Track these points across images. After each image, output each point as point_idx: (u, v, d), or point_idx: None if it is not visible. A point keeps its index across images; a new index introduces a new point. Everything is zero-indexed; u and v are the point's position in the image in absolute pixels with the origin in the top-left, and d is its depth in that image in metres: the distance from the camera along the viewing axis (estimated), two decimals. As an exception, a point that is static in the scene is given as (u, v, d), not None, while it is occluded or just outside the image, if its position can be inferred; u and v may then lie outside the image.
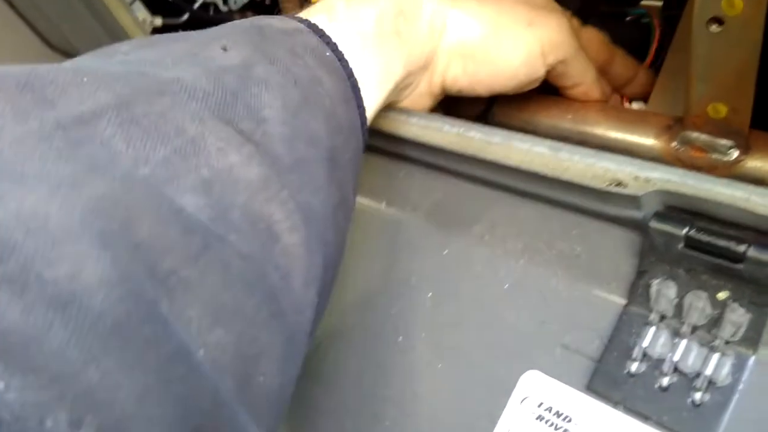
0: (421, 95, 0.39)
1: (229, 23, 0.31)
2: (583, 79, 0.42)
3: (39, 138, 0.19)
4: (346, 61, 0.31)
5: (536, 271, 0.32)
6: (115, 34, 0.54)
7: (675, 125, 0.40)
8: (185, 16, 0.59)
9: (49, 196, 0.18)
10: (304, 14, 0.33)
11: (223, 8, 0.62)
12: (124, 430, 0.17)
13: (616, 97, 0.47)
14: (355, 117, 0.31)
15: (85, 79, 0.22)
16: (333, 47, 0.31)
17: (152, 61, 0.25)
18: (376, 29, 0.33)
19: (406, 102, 0.39)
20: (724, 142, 0.38)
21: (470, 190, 0.36)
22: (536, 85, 0.41)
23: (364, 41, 0.33)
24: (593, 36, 0.44)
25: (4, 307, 0.16)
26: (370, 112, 0.33)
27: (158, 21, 0.57)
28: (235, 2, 0.62)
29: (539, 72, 0.39)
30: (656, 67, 0.48)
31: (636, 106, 0.47)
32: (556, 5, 0.41)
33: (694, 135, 0.38)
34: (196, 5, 0.59)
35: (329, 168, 0.27)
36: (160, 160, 0.21)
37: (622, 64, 0.46)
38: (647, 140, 0.41)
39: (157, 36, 0.28)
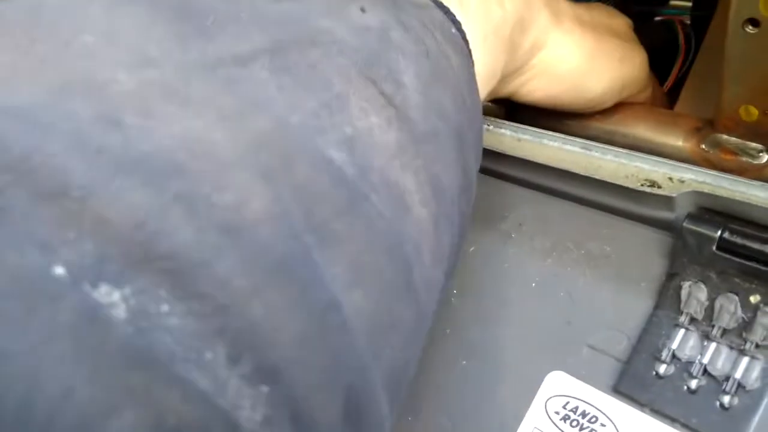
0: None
1: None
2: (642, 99, 0.43)
3: (202, 68, 0.19)
4: (469, 42, 0.30)
5: (564, 271, 0.32)
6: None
7: (704, 127, 0.40)
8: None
9: (215, 124, 0.17)
10: None
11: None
12: (280, 371, 0.16)
13: None
14: (476, 102, 0.30)
15: (242, 16, 0.21)
16: (458, 27, 0.30)
17: (300, 9, 0.24)
18: (497, 31, 0.33)
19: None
20: (755, 145, 0.37)
21: (498, 187, 0.36)
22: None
23: (485, 39, 0.32)
24: None
25: (176, 223, 0.15)
26: None
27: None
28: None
29: (609, 103, 0.40)
30: (681, 81, 0.48)
31: None
32: (635, 36, 0.41)
33: (724, 137, 0.38)
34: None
35: (457, 145, 0.26)
36: (308, 111, 0.20)
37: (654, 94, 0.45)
38: (676, 141, 0.40)
39: None
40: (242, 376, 0.15)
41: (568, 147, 0.33)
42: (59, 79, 0.16)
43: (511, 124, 0.36)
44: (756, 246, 0.26)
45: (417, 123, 0.24)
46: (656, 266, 0.30)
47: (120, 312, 0.14)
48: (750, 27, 0.33)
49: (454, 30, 0.29)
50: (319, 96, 0.21)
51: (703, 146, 0.40)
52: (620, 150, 0.32)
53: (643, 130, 0.42)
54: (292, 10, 0.24)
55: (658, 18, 0.52)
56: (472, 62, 0.30)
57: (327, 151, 0.20)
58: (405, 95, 0.24)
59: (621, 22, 0.42)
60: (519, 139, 0.35)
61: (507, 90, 0.38)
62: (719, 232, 0.27)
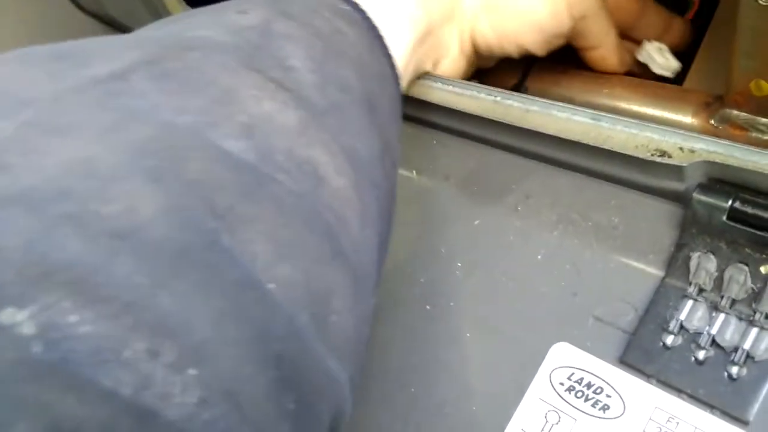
0: (455, 59, 0.39)
1: None
2: (602, 41, 0.42)
3: (77, 92, 0.19)
4: (364, 11, 0.31)
5: (570, 243, 0.32)
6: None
7: (714, 103, 0.39)
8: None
9: (94, 142, 0.18)
10: None
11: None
12: (204, 353, 0.17)
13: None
14: (385, 66, 0.31)
15: (113, 44, 0.23)
16: (350, 2, 0.31)
17: (176, 29, 0.25)
18: None
19: (443, 68, 0.38)
20: (765, 120, 0.37)
21: (504, 159, 0.35)
22: (562, 42, 0.40)
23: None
24: None
25: (65, 239, 0.16)
26: (399, 63, 0.32)
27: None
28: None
29: (565, 25, 0.39)
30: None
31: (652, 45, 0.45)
32: None
33: (734, 113, 0.38)
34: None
35: (368, 112, 0.27)
36: (198, 109, 0.21)
37: (655, 14, 0.45)
38: (685, 117, 0.40)
39: (176, 15, 0.29)
40: (167, 365, 0.16)
41: (577, 118, 0.32)
42: None
43: (519, 95, 0.35)
44: (767, 215, 0.26)
45: (316, 99, 0.25)
46: (665, 237, 0.29)
47: (28, 329, 0.14)
48: (763, -1, 0.33)
49: (345, 6, 0.30)
50: (207, 93, 0.21)
51: (713, 122, 0.39)
52: (630, 120, 0.31)
53: (651, 107, 0.42)
54: (167, 31, 0.25)
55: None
56: (376, 31, 0.31)
57: (223, 143, 0.20)
58: (296, 78, 0.25)
59: None
60: (527, 110, 0.34)
61: (463, 44, 0.39)
62: (730, 202, 0.27)
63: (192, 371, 0.17)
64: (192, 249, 0.18)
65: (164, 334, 0.16)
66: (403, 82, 0.34)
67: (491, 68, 0.46)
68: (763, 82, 0.36)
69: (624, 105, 0.42)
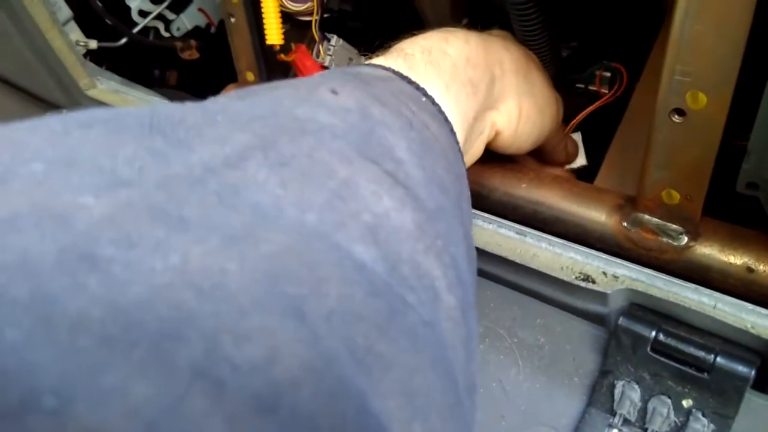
0: (482, 141, 0.37)
1: (322, 72, 0.27)
2: (558, 144, 0.45)
3: (190, 182, 0.16)
4: (439, 105, 0.29)
5: (497, 358, 0.31)
6: (43, 55, 0.50)
7: (626, 205, 0.40)
8: (123, 41, 0.55)
9: (222, 250, 0.14)
10: (380, 62, 0.30)
11: (165, 34, 0.58)
12: None
13: None
14: (461, 165, 0.29)
15: (218, 118, 0.19)
16: (424, 92, 0.29)
17: (271, 104, 0.22)
18: (453, 77, 0.32)
19: (474, 148, 0.36)
20: (675, 227, 0.38)
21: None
22: None
23: (446, 89, 0.31)
24: None
25: (205, 421, 0.12)
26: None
27: (93, 44, 0.53)
28: (178, 29, 0.59)
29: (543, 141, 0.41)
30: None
31: None
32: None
33: (646, 217, 0.39)
34: (136, 29, 0.55)
35: (460, 216, 0.25)
36: (321, 205, 0.18)
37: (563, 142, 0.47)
38: (599, 217, 0.41)
39: (249, 87, 0.25)
40: None
41: (502, 231, 0.32)
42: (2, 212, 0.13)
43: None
44: (689, 351, 0.26)
45: (425, 200, 0.22)
46: (589, 362, 0.30)
47: None
48: (676, 116, 0.34)
49: (424, 98, 0.28)
50: (326, 186, 0.19)
51: (625, 224, 0.41)
52: (554, 239, 0.31)
53: (567, 204, 0.42)
54: (262, 104, 0.22)
55: (579, 85, 0.53)
56: (451, 127, 0.29)
57: (353, 250, 0.17)
58: (407, 172, 0.22)
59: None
60: (453, 218, 0.34)
61: (491, 131, 0.37)
62: (653, 333, 0.27)
63: None
64: (337, 426, 0.14)
65: None
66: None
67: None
68: (674, 192, 0.37)
69: (542, 199, 0.43)
